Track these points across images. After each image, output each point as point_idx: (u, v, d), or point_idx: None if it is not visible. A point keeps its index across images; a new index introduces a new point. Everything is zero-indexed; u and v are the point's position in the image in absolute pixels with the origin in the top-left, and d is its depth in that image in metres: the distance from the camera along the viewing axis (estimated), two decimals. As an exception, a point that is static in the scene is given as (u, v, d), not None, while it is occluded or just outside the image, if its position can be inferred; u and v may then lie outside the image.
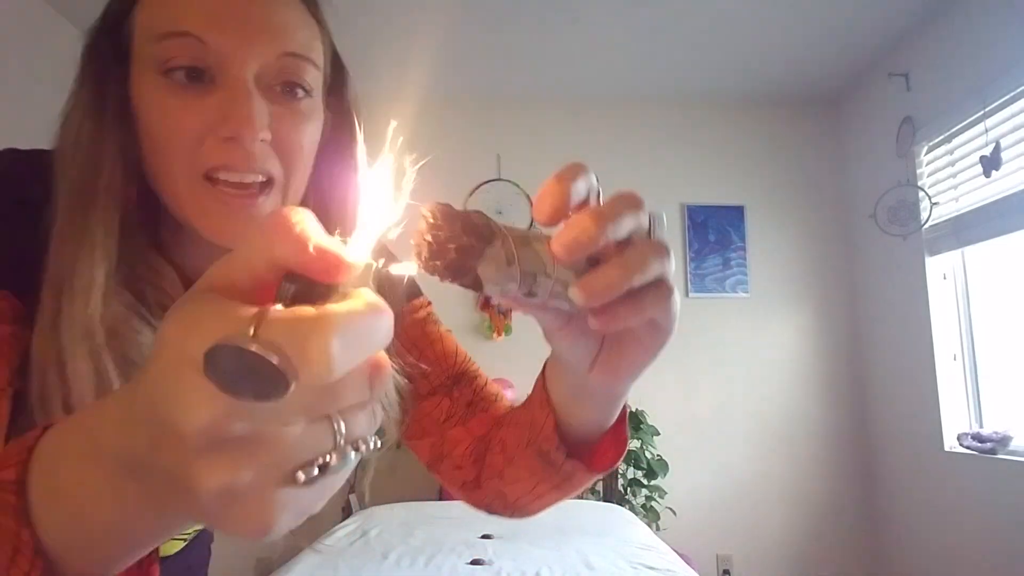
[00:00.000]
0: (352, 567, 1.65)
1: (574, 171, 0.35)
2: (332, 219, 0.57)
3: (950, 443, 2.72)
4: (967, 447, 2.60)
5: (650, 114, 3.55)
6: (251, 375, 0.21)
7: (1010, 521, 2.36)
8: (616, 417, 0.50)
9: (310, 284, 0.24)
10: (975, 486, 2.55)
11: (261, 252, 0.24)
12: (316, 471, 0.24)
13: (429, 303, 0.72)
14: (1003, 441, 2.46)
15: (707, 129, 3.55)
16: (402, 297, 0.69)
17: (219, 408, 0.22)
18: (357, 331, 0.23)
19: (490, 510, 0.66)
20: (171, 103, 0.49)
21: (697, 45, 3.05)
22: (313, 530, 2.28)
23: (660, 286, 0.36)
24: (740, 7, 2.74)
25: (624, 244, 0.35)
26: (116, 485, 0.27)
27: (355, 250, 0.26)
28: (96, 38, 0.52)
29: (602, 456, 0.53)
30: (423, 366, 0.67)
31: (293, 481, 0.24)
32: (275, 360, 0.21)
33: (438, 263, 0.30)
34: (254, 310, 0.23)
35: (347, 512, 2.89)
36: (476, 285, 0.31)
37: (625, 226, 0.34)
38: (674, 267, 0.37)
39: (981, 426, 2.68)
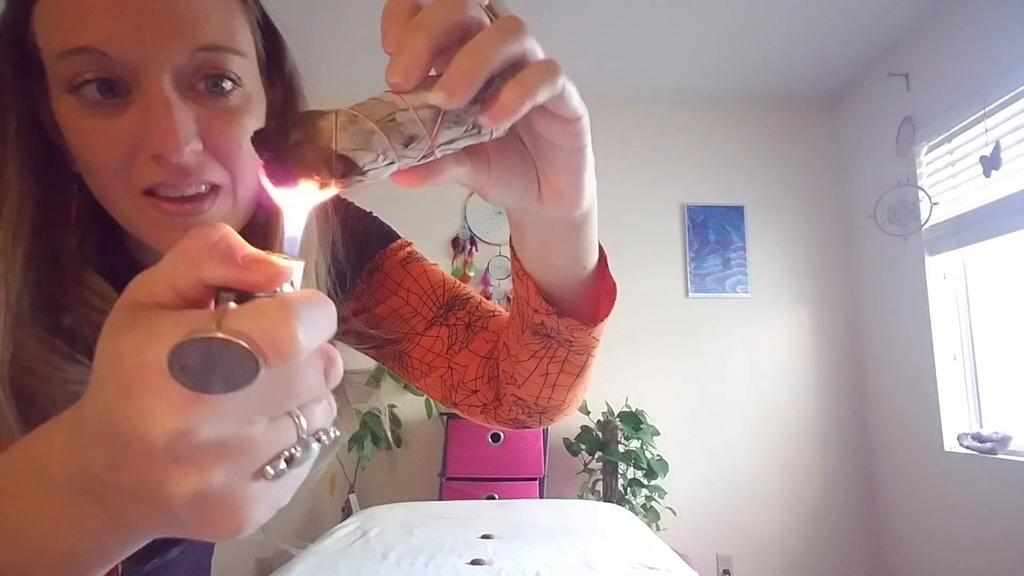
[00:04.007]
0: (352, 567, 1.65)
1: None
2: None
3: (950, 443, 2.72)
4: (967, 447, 2.60)
5: (650, 114, 3.55)
6: (219, 366, 0.22)
7: (1010, 521, 2.36)
8: (594, 262, 0.49)
9: (246, 292, 0.25)
10: (975, 486, 2.55)
11: (185, 273, 0.24)
12: (283, 464, 0.25)
13: (409, 243, 0.71)
14: (1003, 441, 2.46)
15: (707, 129, 3.55)
16: (373, 244, 0.68)
17: (186, 414, 0.22)
18: (313, 314, 0.23)
19: (517, 423, 0.65)
20: (89, 125, 0.45)
21: (697, 45, 3.05)
22: (313, 530, 2.28)
23: (540, 62, 0.32)
24: (740, 7, 2.74)
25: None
26: (71, 513, 0.27)
27: (286, 250, 0.27)
28: None
29: (595, 305, 0.52)
30: (411, 304, 0.66)
31: (262, 476, 0.25)
32: (244, 343, 0.21)
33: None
34: (209, 311, 0.23)
35: (347, 512, 2.89)
36: (348, 168, 0.28)
37: (454, 24, 0.30)
38: (539, 48, 0.33)
39: (981, 426, 2.68)
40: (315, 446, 0.26)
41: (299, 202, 0.28)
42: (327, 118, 0.28)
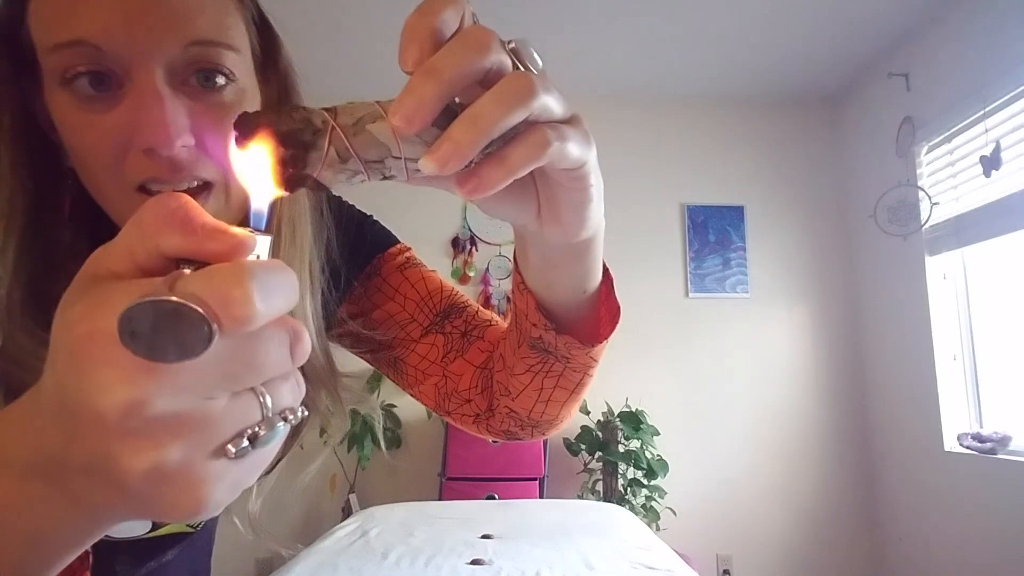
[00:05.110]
0: (352, 567, 1.65)
1: (440, 2, 0.29)
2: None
3: (950, 443, 2.72)
4: (967, 447, 2.60)
5: (650, 114, 3.55)
6: (171, 332, 0.21)
7: (1010, 521, 2.36)
8: (596, 285, 0.48)
9: (205, 263, 0.24)
10: (975, 486, 2.55)
11: (142, 243, 0.23)
12: (245, 443, 0.24)
13: (408, 248, 0.70)
14: (1003, 441, 2.46)
15: (707, 129, 3.55)
16: (370, 247, 0.68)
17: (139, 384, 0.21)
18: (271, 279, 0.23)
19: (509, 435, 0.64)
20: (80, 119, 0.45)
21: (697, 45, 3.05)
22: (313, 530, 2.29)
23: (531, 130, 0.30)
24: (740, 7, 2.74)
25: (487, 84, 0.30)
26: (28, 493, 0.26)
27: (252, 224, 0.26)
28: None
29: (596, 325, 0.51)
30: (408, 311, 0.66)
31: (223, 454, 0.24)
32: (196, 306, 0.21)
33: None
34: (162, 278, 0.22)
35: (347, 512, 2.90)
36: (317, 186, 0.28)
37: (471, 74, 0.29)
38: (554, 102, 0.31)
39: (981, 426, 2.68)
40: (280, 425, 0.25)
41: (264, 179, 0.27)
42: (318, 148, 0.27)
